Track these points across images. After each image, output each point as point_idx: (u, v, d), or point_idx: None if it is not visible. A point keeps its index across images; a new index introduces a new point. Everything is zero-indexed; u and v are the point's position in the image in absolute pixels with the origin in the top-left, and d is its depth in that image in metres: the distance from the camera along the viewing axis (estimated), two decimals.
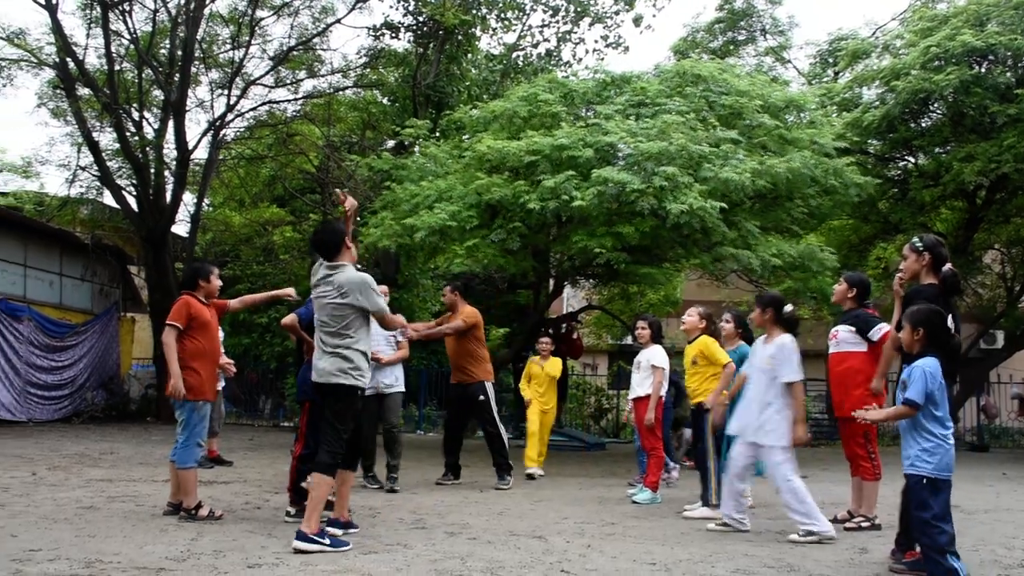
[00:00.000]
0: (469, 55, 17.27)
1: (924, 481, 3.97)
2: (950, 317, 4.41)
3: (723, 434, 6.02)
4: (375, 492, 7.11)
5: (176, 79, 15.17)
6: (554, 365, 9.35)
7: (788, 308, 5.48)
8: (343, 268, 4.85)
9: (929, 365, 4.03)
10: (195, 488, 5.46)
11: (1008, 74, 13.23)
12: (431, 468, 9.33)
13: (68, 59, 14.66)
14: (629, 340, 16.86)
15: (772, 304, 5.41)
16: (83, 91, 15.28)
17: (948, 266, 4.59)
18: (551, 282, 14.49)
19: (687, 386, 6.60)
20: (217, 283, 5.82)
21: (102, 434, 12.48)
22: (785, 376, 5.17)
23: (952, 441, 4.02)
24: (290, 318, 5.82)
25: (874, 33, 19.98)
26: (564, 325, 14.11)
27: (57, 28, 14.26)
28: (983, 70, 13.23)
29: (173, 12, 15.32)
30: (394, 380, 7.23)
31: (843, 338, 5.65)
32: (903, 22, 18.44)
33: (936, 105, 14.13)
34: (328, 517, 4.97)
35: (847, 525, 5.61)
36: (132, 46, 15.45)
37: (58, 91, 15.82)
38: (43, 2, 14.05)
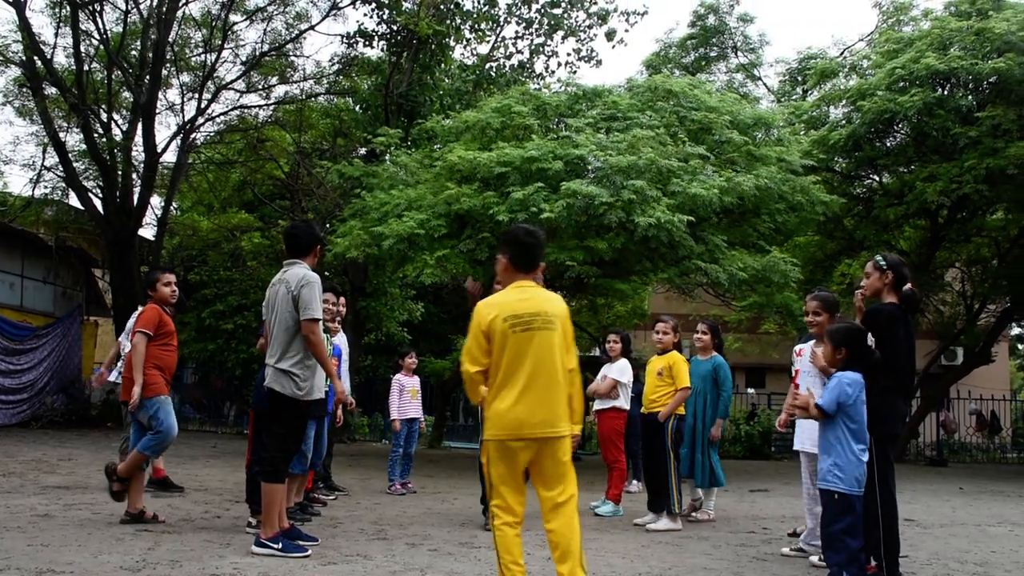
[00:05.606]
0: (442, 65, 17.27)
1: (836, 496, 3.99)
2: (905, 333, 4.51)
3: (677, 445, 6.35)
4: (335, 502, 7.05)
5: (146, 81, 14.99)
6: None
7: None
8: (298, 264, 4.83)
9: (848, 377, 4.08)
10: (138, 468, 5.47)
11: (969, 97, 13.57)
12: None
13: (35, 57, 14.42)
14: (596, 352, 16.92)
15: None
16: (50, 90, 15.05)
17: (908, 285, 4.67)
18: None
19: (646, 395, 6.43)
20: (165, 290, 5.72)
21: (61, 440, 12.24)
22: None
23: (867, 457, 4.02)
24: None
25: (842, 53, 20.41)
26: None
27: (24, 25, 14.03)
28: (945, 93, 13.54)
29: (145, 13, 15.16)
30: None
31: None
32: (870, 43, 18.84)
33: (900, 125, 14.44)
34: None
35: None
36: (102, 46, 15.24)
37: (24, 89, 15.54)
38: None
